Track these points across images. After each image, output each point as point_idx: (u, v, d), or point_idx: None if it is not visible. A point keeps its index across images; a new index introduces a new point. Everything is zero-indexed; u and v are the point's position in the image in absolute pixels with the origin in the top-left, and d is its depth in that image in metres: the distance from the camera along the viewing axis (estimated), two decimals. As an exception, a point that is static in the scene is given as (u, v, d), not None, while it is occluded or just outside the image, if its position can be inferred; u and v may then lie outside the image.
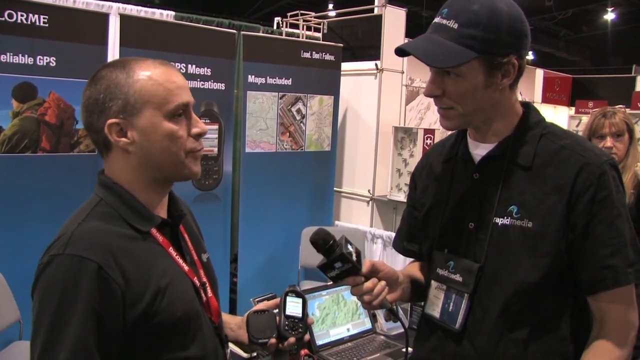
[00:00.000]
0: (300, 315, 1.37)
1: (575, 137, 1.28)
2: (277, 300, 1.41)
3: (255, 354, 2.03)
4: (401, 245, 1.53)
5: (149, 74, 1.08)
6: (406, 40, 4.41)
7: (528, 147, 1.24)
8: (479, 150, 1.30)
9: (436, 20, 1.22)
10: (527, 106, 1.31)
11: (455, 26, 1.17)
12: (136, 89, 1.07)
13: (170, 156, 1.10)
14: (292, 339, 1.34)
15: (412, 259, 1.55)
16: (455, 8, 1.18)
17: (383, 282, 1.29)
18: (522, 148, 1.25)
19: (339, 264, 1.24)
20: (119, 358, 1.02)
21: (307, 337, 1.37)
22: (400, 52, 1.22)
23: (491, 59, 1.18)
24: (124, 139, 1.08)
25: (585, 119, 6.52)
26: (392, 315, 1.34)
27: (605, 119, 2.46)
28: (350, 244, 1.27)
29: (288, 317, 1.36)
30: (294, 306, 1.38)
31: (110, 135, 1.08)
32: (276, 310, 1.40)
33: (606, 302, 1.19)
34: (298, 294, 1.40)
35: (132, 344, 1.02)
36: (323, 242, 1.24)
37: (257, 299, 2.07)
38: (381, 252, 4.13)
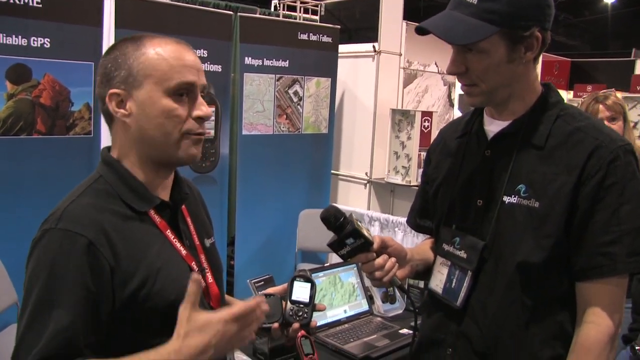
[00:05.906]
0: (307, 300, 1.32)
1: (593, 120, 1.26)
2: (286, 285, 1.37)
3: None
4: (414, 221, 1.53)
5: (157, 49, 1.07)
6: (404, 23, 4.43)
7: (542, 127, 1.22)
8: (492, 127, 1.29)
9: None
10: (547, 86, 1.29)
11: (475, 1, 1.15)
12: (140, 61, 1.06)
13: (164, 135, 1.08)
14: (296, 325, 1.30)
15: (426, 236, 1.54)
16: None
17: (393, 259, 1.29)
18: (537, 127, 1.23)
19: (351, 240, 1.24)
20: (111, 339, 1.01)
21: (314, 322, 1.33)
22: (420, 30, 1.19)
23: (513, 33, 1.16)
24: (122, 110, 1.07)
25: (583, 102, 6.52)
26: (401, 292, 1.33)
27: (599, 103, 2.46)
28: (359, 221, 1.26)
29: (294, 302, 1.32)
30: (301, 291, 1.34)
31: (110, 104, 1.07)
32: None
33: (598, 289, 1.16)
34: (307, 279, 1.35)
35: (122, 325, 1.02)
36: (334, 219, 1.24)
37: (254, 281, 2.07)
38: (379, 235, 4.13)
